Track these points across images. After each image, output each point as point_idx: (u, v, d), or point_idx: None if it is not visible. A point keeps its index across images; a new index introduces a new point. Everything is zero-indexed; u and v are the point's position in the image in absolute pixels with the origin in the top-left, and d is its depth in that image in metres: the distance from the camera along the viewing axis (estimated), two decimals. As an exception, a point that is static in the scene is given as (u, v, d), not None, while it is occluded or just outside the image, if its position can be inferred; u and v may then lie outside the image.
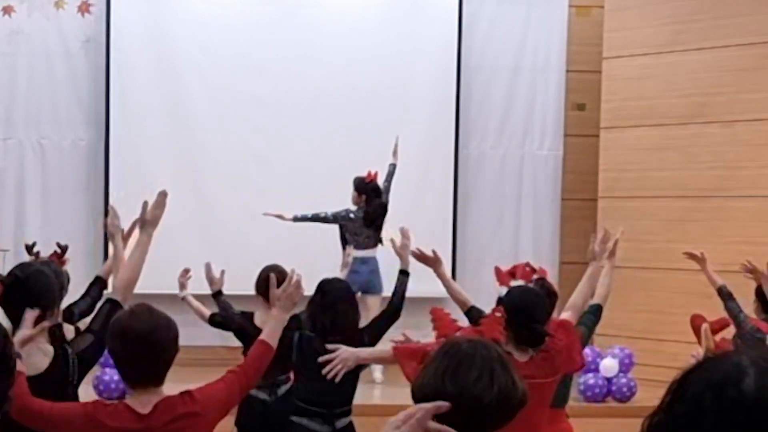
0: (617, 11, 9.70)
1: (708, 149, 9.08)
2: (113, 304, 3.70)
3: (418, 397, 2.47)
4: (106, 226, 3.98)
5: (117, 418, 3.06)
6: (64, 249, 4.78)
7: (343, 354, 4.16)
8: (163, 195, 3.89)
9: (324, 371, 4.13)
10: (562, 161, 10.34)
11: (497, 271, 4.89)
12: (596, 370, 8.33)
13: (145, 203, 3.88)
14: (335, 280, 5.30)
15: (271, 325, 3.61)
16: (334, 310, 5.07)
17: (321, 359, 4.20)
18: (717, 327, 5.99)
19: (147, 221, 3.85)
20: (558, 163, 10.34)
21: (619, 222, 9.38)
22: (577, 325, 5.16)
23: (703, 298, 8.48)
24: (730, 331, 6.05)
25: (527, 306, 4.10)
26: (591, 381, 8.27)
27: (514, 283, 4.69)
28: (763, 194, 8.75)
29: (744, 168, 8.87)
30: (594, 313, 5.19)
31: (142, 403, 3.10)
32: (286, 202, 8.84)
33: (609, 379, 8.34)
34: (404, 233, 5.47)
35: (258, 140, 9.79)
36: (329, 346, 4.24)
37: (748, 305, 6.12)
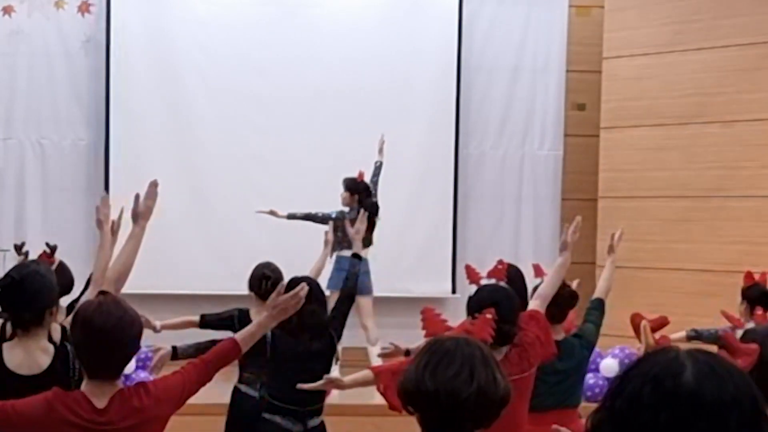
0: (617, 11, 9.70)
1: (708, 149, 9.08)
2: None
3: (401, 393, 2.50)
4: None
5: (75, 410, 3.03)
6: (53, 249, 4.76)
7: (325, 383, 4.38)
8: (153, 185, 3.84)
9: (299, 386, 4.26)
10: (562, 161, 10.34)
11: (468, 269, 4.90)
12: (596, 370, 8.33)
13: (137, 195, 3.84)
14: (305, 278, 5.33)
15: (251, 328, 3.50)
16: (301, 309, 5.10)
17: (300, 386, 4.30)
18: (655, 325, 6.01)
19: (140, 213, 3.81)
20: (558, 163, 10.34)
21: (619, 222, 9.40)
22: (583, 323, 5.18)
23: (702, 298, 8.50)
24: (669, 329, 6.07)
25: (494, 305, 4.08)
26: (591, 381, 8.26)
27: (484, 281, 4.68)
28: (763, 194, 8.75)
29: (744, 168, 8.87)
30: (597, 308, 5.21)
31: (98, 395, 3.08)
32: (286, 201, 8.83)
33: (609, 379, 8.34)
34: (360, 218, 5.53)
35: (258, 140, 9.79)
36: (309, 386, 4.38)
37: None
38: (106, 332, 3.02)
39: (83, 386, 3.11)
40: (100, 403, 3.06)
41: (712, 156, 9.04)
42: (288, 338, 5.06)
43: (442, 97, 10.03)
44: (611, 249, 5.63)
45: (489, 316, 3.85)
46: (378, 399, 4.48)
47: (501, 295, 4.25)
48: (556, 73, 10.28)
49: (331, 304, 5.56)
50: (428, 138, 9.97)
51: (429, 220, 9.89)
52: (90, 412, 3.05)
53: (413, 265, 9.66)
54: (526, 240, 10.20)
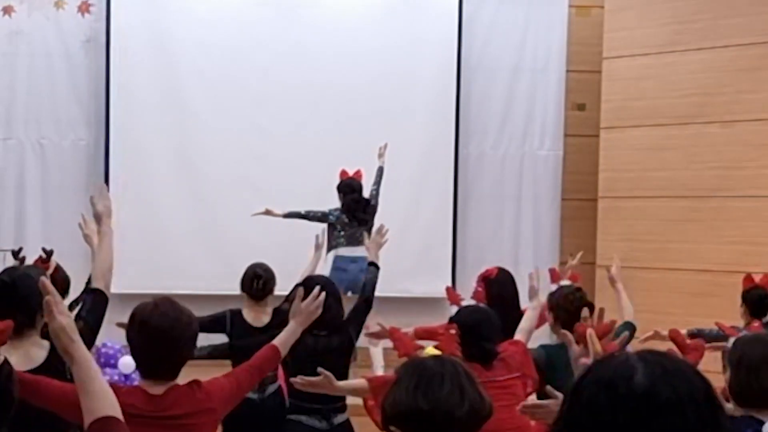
0: (617, 11, 9.70)
1: (708, 149, 9.08)
2: (98, 293, 3.77)
3: (389, 414, 2.55)
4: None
5: (131, 397, 3.08)
6: (48, 254, 4.74)
7: (319, 380, 4.33)
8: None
9: (291, 380, 4.28)
10: (562, 161, 10.34)
11: (448, 291, 5.02)
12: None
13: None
14: (318, 276, 5.36)
15: (284, 335, 3.76)
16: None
17: (292, 380, 4.32)
18: (600, 333, 6.00)
19: (101, 213, 3.91)
20: (558, 163, 10.34)
21: (619, 222, 9.43)
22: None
23: (702, 298, 8.50)
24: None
25: (477, 324, 4.30)
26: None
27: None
28: (763, 194, 8.75)
29: (744, 168, 8.87)
30: (624, 327, 5.28)
31: (153, 387, 3.16)
32: (286, 201, 8.83)
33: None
34: (379, 230, 5.57)
35: (258, 139, 9.80)
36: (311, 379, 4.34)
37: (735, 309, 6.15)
38: (162, 333, 3.10)
39: (137, 382, 3.19)
40: (156, 392, 3.13)
41: (712, 156, 9.04)
42: (307, 337, 5.06)
43: (441, 96, 10.03)
44: (613, 280, 5.78)
45: (453, 331, 4.04)
46: (378, 399, 4.50)
47: (481, 316, 4.46)
48: (556, 73, 10.28)
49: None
50: (428, 138, 9.97)
51: (429, 220, 9.89)
52: (146, 401, 3.10)
53: (413, 265, 9.65)
54: (526, 240, 10.20)
